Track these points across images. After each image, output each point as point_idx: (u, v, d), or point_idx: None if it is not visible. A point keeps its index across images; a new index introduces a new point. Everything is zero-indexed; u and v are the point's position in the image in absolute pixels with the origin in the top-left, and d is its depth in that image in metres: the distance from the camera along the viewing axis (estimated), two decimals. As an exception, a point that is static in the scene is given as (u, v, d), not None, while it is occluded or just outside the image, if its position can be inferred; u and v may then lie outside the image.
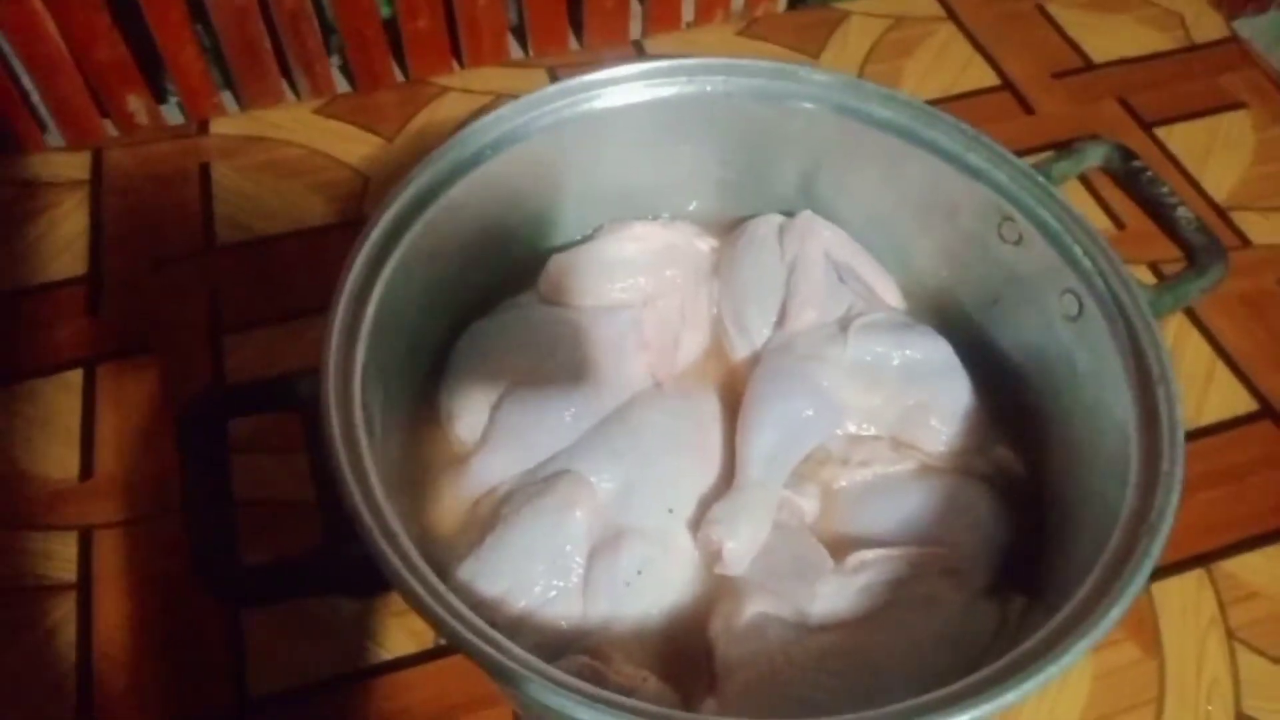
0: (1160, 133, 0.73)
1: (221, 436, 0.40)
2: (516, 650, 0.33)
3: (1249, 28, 0.88)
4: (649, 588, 0.42)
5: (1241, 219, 0.68)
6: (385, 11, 0.73)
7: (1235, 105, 0.75)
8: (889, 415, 0.49)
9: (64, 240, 0.66)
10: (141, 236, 0.66)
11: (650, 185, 0.56)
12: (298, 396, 0.40)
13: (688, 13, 0.79)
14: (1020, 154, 0.48)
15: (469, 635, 0.33)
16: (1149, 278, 0.64)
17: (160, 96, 0.73)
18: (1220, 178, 0.70)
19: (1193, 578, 0.54)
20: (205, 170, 0.69)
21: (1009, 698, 0.33)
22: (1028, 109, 0.74)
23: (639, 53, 0.78)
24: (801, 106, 0.50)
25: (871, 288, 0.54)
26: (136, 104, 0.71)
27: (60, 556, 0.52)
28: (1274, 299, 0.65)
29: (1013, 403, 0.50)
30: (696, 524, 0.45)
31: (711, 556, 0.44)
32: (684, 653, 0.42)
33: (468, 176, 0.48)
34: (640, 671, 0.39)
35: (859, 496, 0.47)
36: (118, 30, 0.67)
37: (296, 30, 0.71)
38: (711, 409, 0.49)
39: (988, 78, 0.76)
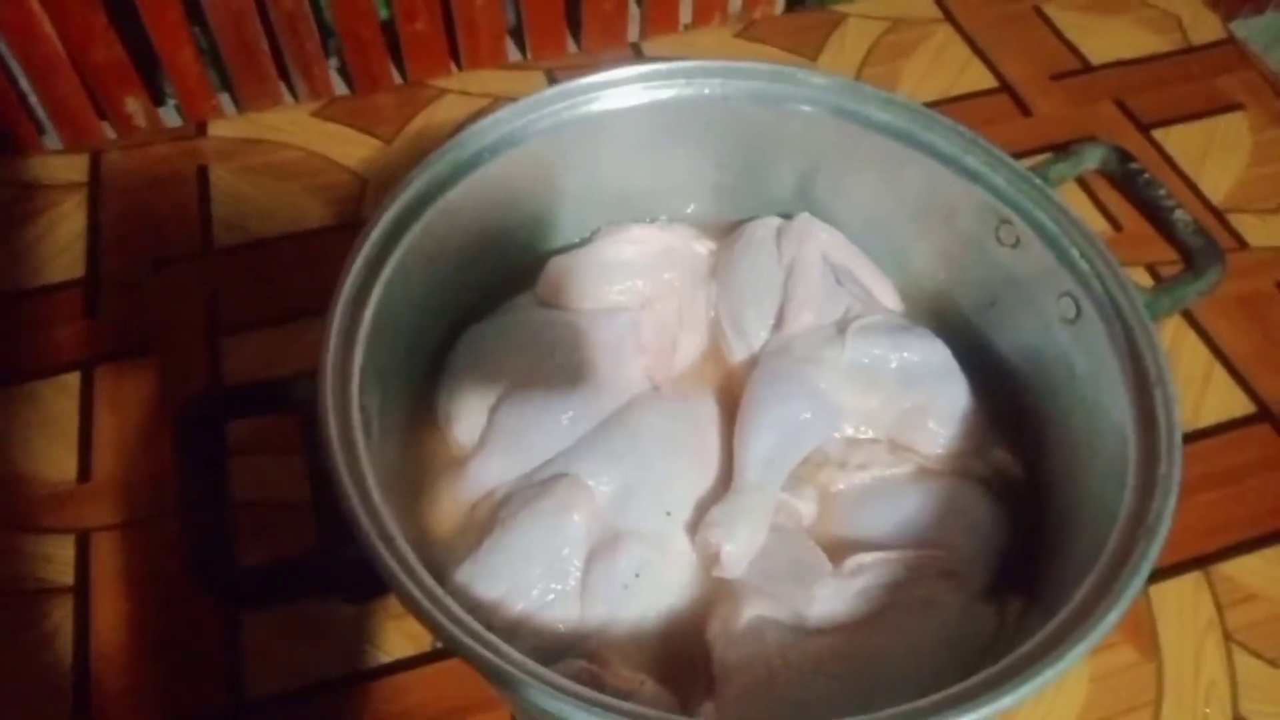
0: (1158, 134, 0.73)
1: (218, 438, 0.40)
2: (514, 654, 0.33)
3: (1246, 29, 0.88)
4: (646, 591, 0.42)
5: (1239, 221, 0.68)
6: (383, 13, 0.73)
7: (1232, 107, 0.75)
8: (887, 418, 0.49)
9: (62, 242, 0.66)
10: (139, 238, 0.66)
11: (648, 188, 0.56)
12: (295, 399, 0.40)
13: (685, 15, 0.79)
14: (1018, 156, 0.48)
15: (466, 639, 0.32)
16: (1146, 280, 0.64)
17: (158, 99, 0.73)
18: (1217, 180, 0.70)
19: (1190, 580, 0.54)
20: (203, 172, 0.69)
21: (1006, 701, 0.33)
22: (1025, 111, 0.74)
23: (637, 55, 0.78)
24: (799, 109, 0.50)
25: (869, 290, 0.54)
26: (134, 106, 0.71)
27: (58, 559, 0.52)
28: (1271, 301, 0.65)
29: (1010, 405, 0.50)
30: (694, 527, 0.45)
31: (709, 559, 0.44)
32: (682, 656, 0.42)
33: (466, 179, 0.48)
34: (638, 675, 0.39)
35: (857, 499, 0.47)
36: (115, 31, 0.67)
37: (294, 32, 0.71)
38: (709, 412, 0.49)
39: (985, 80, 0.76)
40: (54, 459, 0.56)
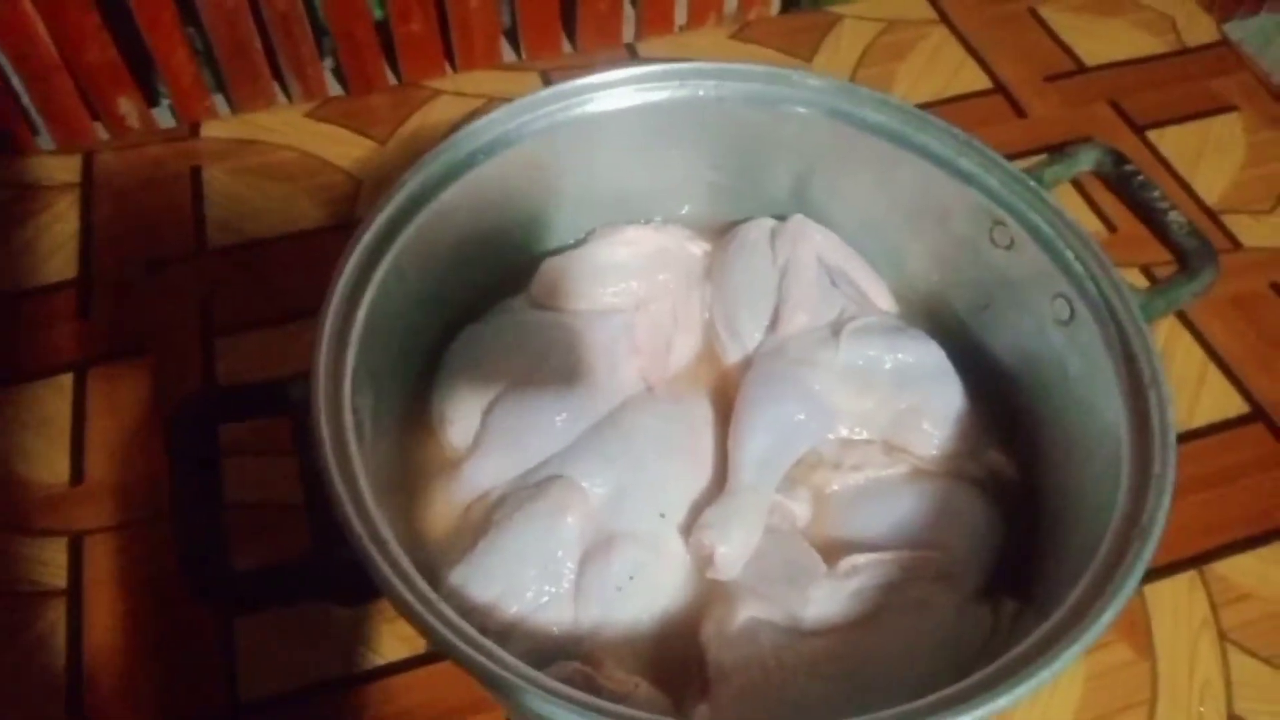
0: (1152, 135, 0.73)
1: (212, 440, 0.40)
2: (507, 658, 0.33)
3: (1240, 30, 0.88)
4: (641, 593, 0.42)
5: (1233, 222, 0.69)
6: (378, 14, 0.73)
7: (1226, 108, 0.75)
8: (881, 419, 0.49)
9: (55, 243, 0.65)
10: (133, 239, 0.66)
11: (642, 189, 0.56)
12: (288, 400, 0.40)
13: (680, 16, 0.79)
14: (1012, 157, 0.48)
15: (459, 643, 0.32)
16: (1141, 281, 0.64)
17: (152, 99, 0.73)
18: (1211, 181, 0.71)
19: (1185, 579, 0.54)
20: (197, 173, 0.69)
21: (1000, 702, 0.33)
22: (1020, 112, 0.74)
23: (632, 56, 0.78)
24: (794, 111, 0.50)
25: (863, 291, 0.54)
26: (128, 106, 0.71)
27: (51, 562, 0.52)
28: (1265, 302, 0.65)
29: (1005, 407, 0.50)
30: (688, 528, 0.45)
31: (703, 561, 0.44)
32: (676, 658, 0.42)
33: (460, 180, 0.48)
34: (632, 678, 0.39)
35: (851, 501, 0.47)
36: (108, 32, 0.67)
37: (288, 32, 0.70)
38: (703, 413, 0.49)
39: (980, 81, 0.76)
40: (47, 461, 0.56)
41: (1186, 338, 0.63)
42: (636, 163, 0.54)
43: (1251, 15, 0.93)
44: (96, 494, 0.55)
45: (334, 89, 0.75)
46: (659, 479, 0.46)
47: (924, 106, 0.73)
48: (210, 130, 0.72)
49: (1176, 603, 0.53)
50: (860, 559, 0.43)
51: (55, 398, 0.58)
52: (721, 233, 0.56)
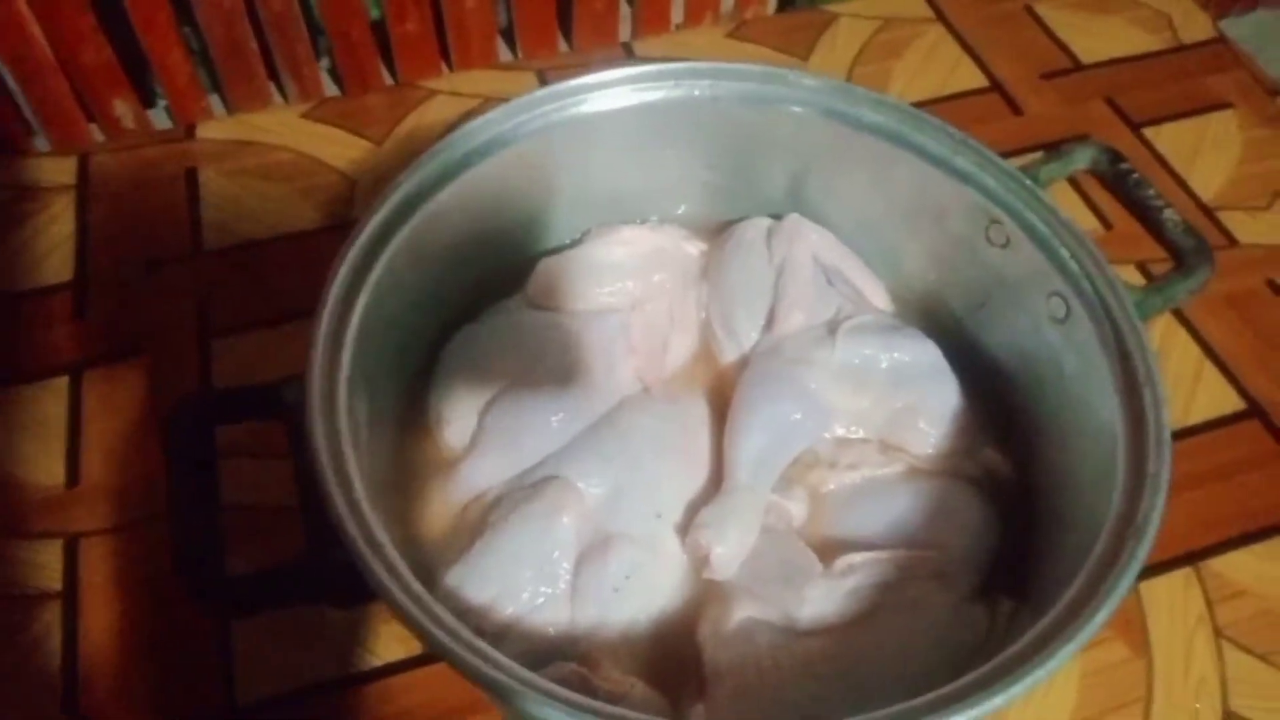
0: (1148, 133, 0.73)
1: (207, 443, 0.40)
2: (503, 660, 0.33)
3: (1236, 28, 0.88)
4: (637, 593, 0.42)
5: (1229, 219, 0.69)
6: (374, 13, 0.73)
7: (1222, 105, 0.75)
8: (877, 418, 0.49)
9: (51, 245, 0.65)
10: (129, 241, 0.66)
11: (638, 189, 0.56)
12: (283, 403, 0.40)
13: (677, 15, 0.79)
14: (1009, 155, 0.48)
15: (453, 645, 0.32)
16: (1137, 278, 0.64)
17: (148, 100, 0.73)
18: (1208, 178, 0.71)
19: (1180, 576, 0.54)
20: (192, 174, 0.69)
21: (995, 701, 0.33)
22: (1016, 110, 0.74)
23: (628, 55, 0.78)
24: (789, 110, 0.50)
25: (860, 290, 0.54)
26: (123, 108, 0.71)
27: (46, 565, 0.52)
28: (1261, 299, 0.65)
29: (1001, 405, 0.50)
30: (685, 528, 0.45)
31: (700, 561, 0.44)
32: (672, 658, 0.42)
33: (455, 181, 0.48)
34: (628, 678, 0.39)
35: (847, 500, 0.47)
36: (103, 33, 0.67)
37: (284, 33, 0.70)
38: (699, 413, 0.49)
39: (976, 79, 0.76)
40: (42, 463, 0.56)
41: (1183, 335, 0.63)
42: (632, 163, 0.54)
43: (1248, 12, 0.93)
44: (92, 496, 0.55)
45: (330, 89, 0.75)
46: (655, 479, 0.46)
47: (920, 105, 0.73)
48: (206, 131, 0.72)
49: (1172, 600, 0.53)
50: (856, 558, 0.43)
51: (51, 399, 0.58)
52: (717, 232, 0.56)
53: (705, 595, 0.43)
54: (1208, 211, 0.69)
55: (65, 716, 0.48)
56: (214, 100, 0.74)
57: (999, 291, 0.49)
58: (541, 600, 0.42)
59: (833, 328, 0.51)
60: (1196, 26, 0.80)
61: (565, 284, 0.52)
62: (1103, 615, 0.35)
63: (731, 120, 0.52)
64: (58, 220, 0.67)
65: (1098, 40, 0.79)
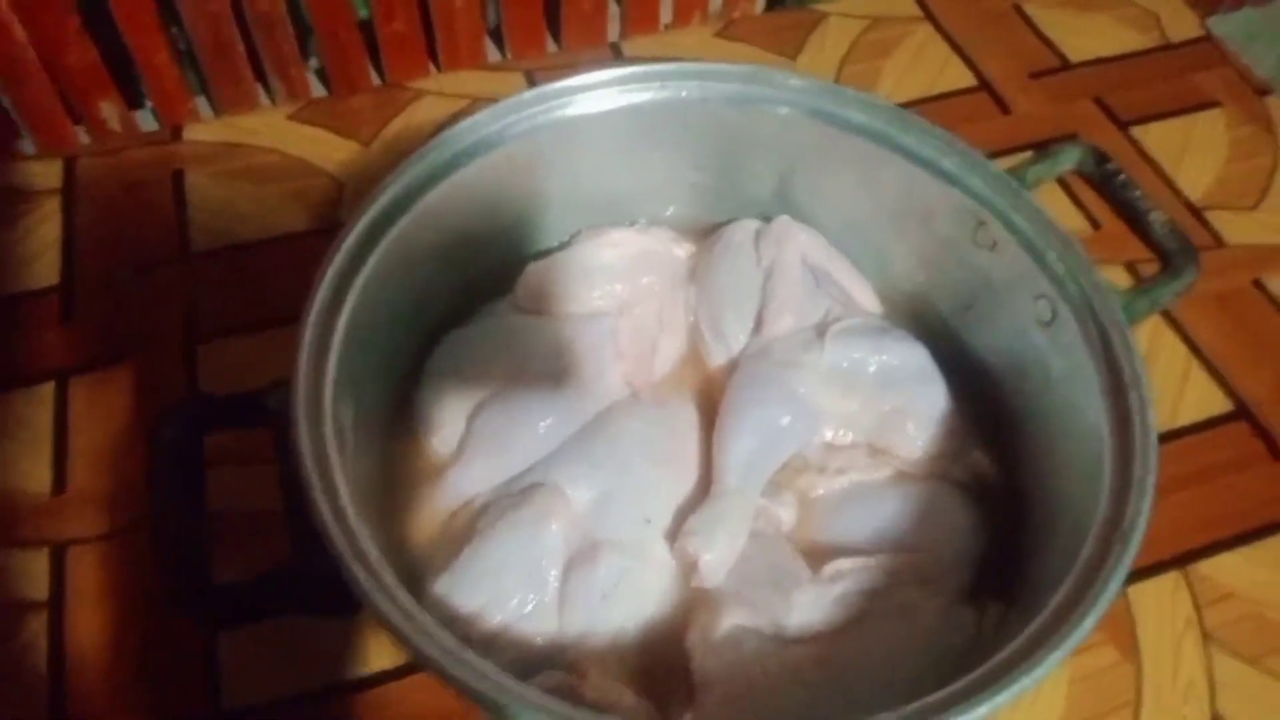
0: (1136, 132, 0.73)
1: (191, 452, 0.40)
2: (488, 670, 0.32)
3: (1223, 26, 0.88)
4: (625, 600, 0.42)
5: (1216, 218, 0.69)
6: (362, 12, 0.73)
7: (1209, 104, 0.75)
8: (866, 421, 0.49)
9: (37, 249, 0.65)
10: (115, 245, 0.65)
11: (626, 191, 0.56)
12: (267, 410, 0.40)
13: (665, 14, 0.79)
14: (997, 154, 0.48)
15: (439, 655, 0.32)
16: (1125, 278, 0.64)
17: (134, 102, 0.72)
18: (1195, 177, 0.71)
19: (1169, 579, 0.54)
20: (179, 177, 0.68)
21: (981, 710, 0.33)
22: (1005, 109, 0.74)
23: (617, 55, 0.78)
24: (776, 111, 0.50)
25: (848, 292, 0.54)
26: (109, 110, 0.70)
27: (32, 573, 0.52)
28: (1249, 298, 0.65)
29: (989, 408, 0.50)
30: (674, 534, 0.45)
31: (688, 568, 0.44)
32: (661, 665, 0.42)
33: (442, 183, 0.47)
34: (616, 686, 0.39)
35: (836, 504, 0.47)
36: (88, 34, 0.67)
37: (270, 34, 0.70)
38: (688, 417, 0.49)
39: (965, 78, 0.76)
40: (27, 471, 0.55)
41: (1170, 335, 0.63)
42: (620, 164, 0.54)
43: (1235, 10, 0.93)
44: (79, 503, 0.54)
45: (317, 90, 0.75)
46: (644, 485, 0.46)
47: (909, 104, 0.74)
48: (193, 133, 0.71)
49: (1160, 603, 0.53)
50: (844, 564, 0.43)
51: (36, 406, 0.58)
52: (706, 234, 0.56)
53: (694, 602, 0.43)
54: (1195, 211, 0.69)
55: (52, 726, 0.48)
56: (201, 102, 0.73)
57: (986, 294, 0.49)
58: (530, 608, 0.42)
59: (821, 330, 0.51)
60: (1184, 25, 0.80)
61: (554, 287, 0.52)
62: (1090, 621, 0.35)
63: (719, 121, 0.52)
64: (44, 224, 0.66)
65: (1086, 39, 0.79)
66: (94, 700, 0.48)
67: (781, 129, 0.51)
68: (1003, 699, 0.33)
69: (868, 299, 0.54)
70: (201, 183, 0.68)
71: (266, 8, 0.68)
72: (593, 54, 0.78)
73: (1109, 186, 0.51)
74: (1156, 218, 0.48)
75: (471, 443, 0.47)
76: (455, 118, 0.49)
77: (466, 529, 0.44)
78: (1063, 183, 0.68)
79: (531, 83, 0.74)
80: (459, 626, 0.40)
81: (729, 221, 0.56)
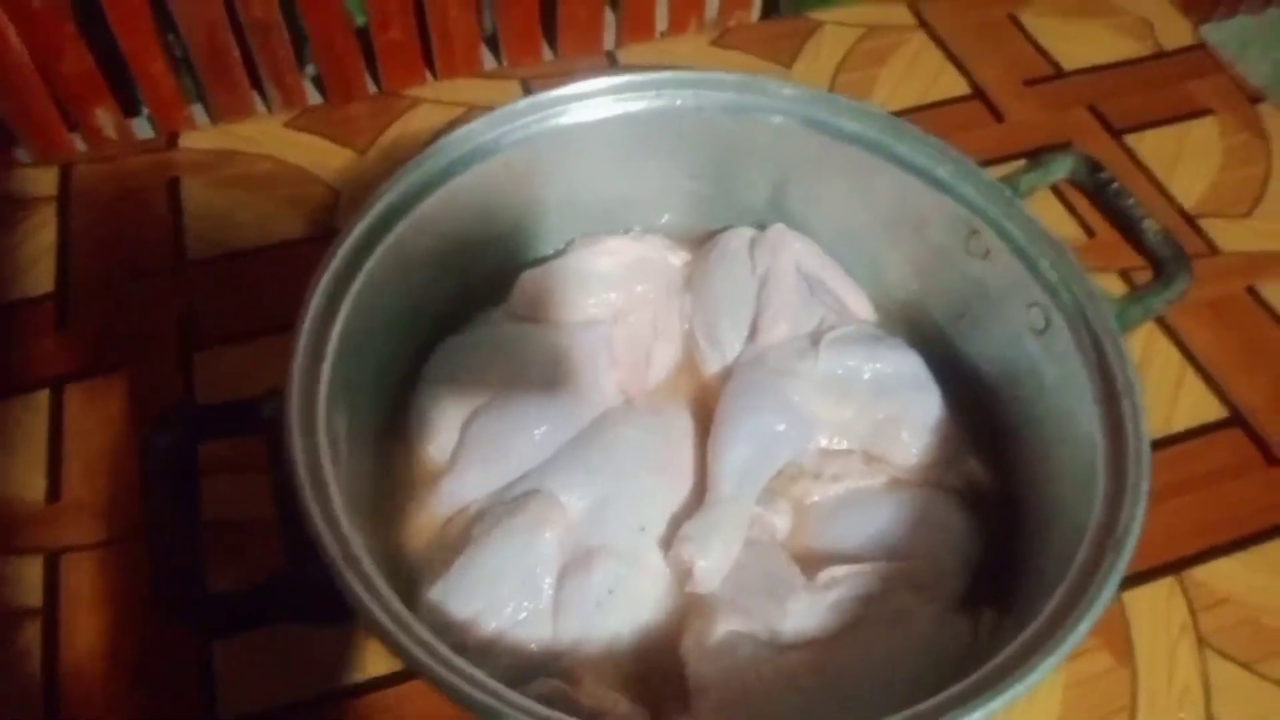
0: (1130, 140, 0.73)
1: (184, 461, 0.40)
2: (481, 678, 0.33)
3: (1216, 34, 0.89)
4: (620, 607, 0.42)
5: (1210, 226, 0.69)
6: (360, 19, 0.73)
7: (1203, 112, 0.75)
8: (860, 429, 0.49)
9: (32, 256, 0.65)
10: (110, 252, 0.65)
11: (621, 199, 0.56)
12: (261, 419, 0.40)
13: (661, 22, 0.79)
14: (991, 162, 0.48)
15: (431, 663, 0.32)
16: (1120, 285, 0.64)
17: (130, 109, 0.73)
18: (1189, 184, 0.71)
19: (1164, 585, 0.54)
20: (175, 185, 0.68)
21: (975, 716, 0.33)
22: (999, 117, 0.74)
23: (612, 63, 0.78)
24: (770, 120, 0.51)
25: (843, 300, 0.54)
26: (105, 118, 0.70)
27: (26, 581, 0.52)
28: (1243, 305, 0.65)
29: (983, 415, 0.50)
30: (668, 542, 0.45)
31: (683, 575, 0.44)
32: (656, 672, 0.42)
33: (437, 192, 0.48)
34: (611, 693, 0.39)
35: (831, 511, 0.47)
36: (84, 41, 0.67)
37: (266, 41, 0.70)
38: (683, 425, 0.49)
39: (959, 86, 0.76)
40: (23, 478, 0.55)
41: (1164, 342, 0.63)
42: (615, 172, 0.54)
43: (1228, 18, 0.93)
44: (74, 511, 0.54)
45: (314, 98, 0.75)
46: (639, 492, 0.46)
47: (903, 112, 0.74)
48: (188, 141, 0.71)
49: (1155, 609, 0.53)
50: (839, 571, 0.43)
51: (31, 414, 0.58)
52: (701, 242, 0.56)
53: (689, 609, 0.43)
54: (1189, 219, 0.69)
55: (46, 734, 0.48)
56: (197, 109, 0.73)
57: (980, 302, 0.49)
58: (524, 615, 0.42)
59: (816, 338, 0.51)
60: (1177, 33, 0.81)
61: (549, 295, 0.52)
62: (1083, 627, 0.35)
63: (714, 130, 0.52)
64: (39, 231, 0.66)
65: (1080, 47, 0.79)
66: (88, 708, 0.48)
67: (776, 137, 0.51)
68: (996, 705, 0.33)
69: (862, 307, 0.54)
70: (197, 190, 0.68)
71: (262, 15, 0.69)
72: (589, 62, 0.78)
73: (1102, 195, 0.51)
74: (1149, 226, 0.48)
75: (466, 450, 0.47)
76: (451, 126, 0.49)
77: (461, 536, 0.44)
78: (1057, 190, 0.68)
79: (527, 90, 0.75)
80: (454, 634, 0.40)
81: (724, 229, 0.56)
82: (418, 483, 0.47)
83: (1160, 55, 0.79)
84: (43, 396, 0.58)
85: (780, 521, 0.46)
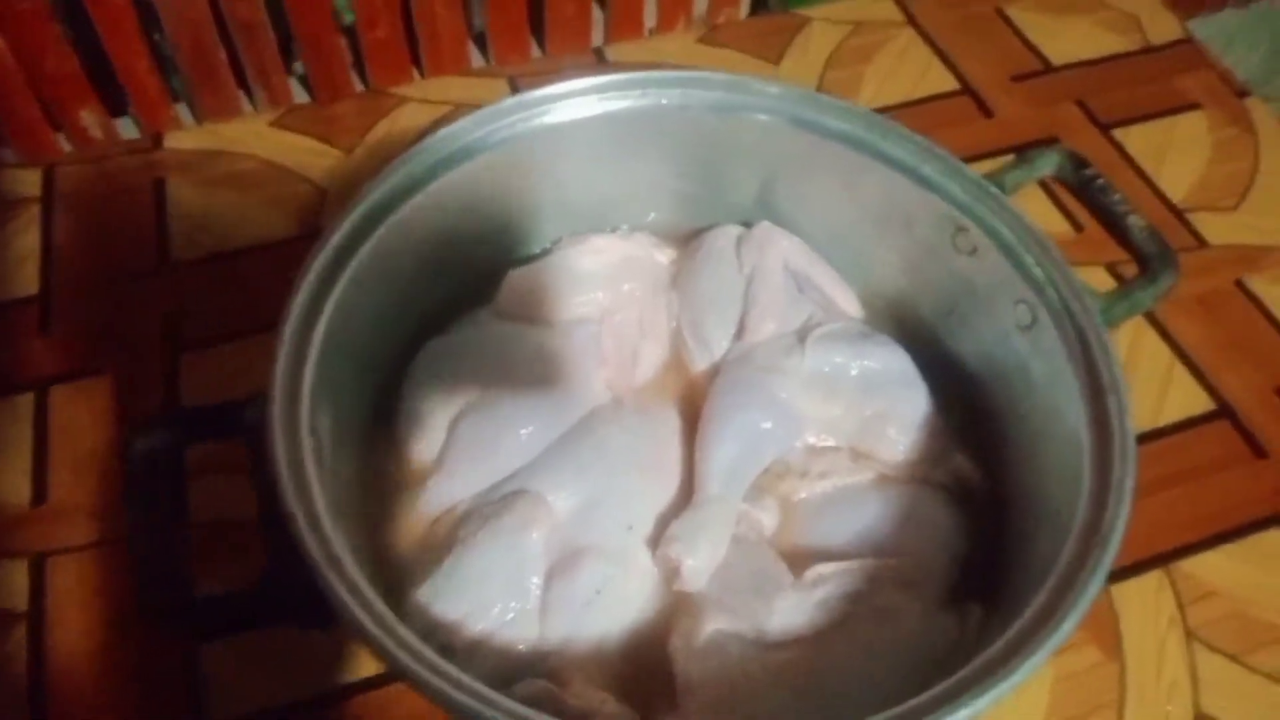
0: (1118, 134, 0.73)
1: (166, 464, 0.40)
2: (466, 681, 0.32)
3: (1204, 28, 0.89)
4: (608, 607, 0.42)
5: (1198, 219, 0.69)
6: (348, 17, 0.72)
7: (1191, 106, 0.75)
8: (848, 426, 0.49)
9: (16, 258, 0.64)
10: (96, 253, 0.65)
11: (608, 197, 0.56)
12: (244, 423, 0.39)
13: (649, 19, 0.79)
14: (980, 157, 0.48)
15: (416, 666, 0.32)
16: (1108, 280, 0.64)
17: (116, 109, 0.72)
18: (1177, 179, 0.71)
19: (1152, 578, 0.54)
20: (160, 185, 0.68)
21: (962, 714, 0.33)
22: (987, 112, 0.74)
23: (600, 61, 0.78)
24: (756, 119, 0.50)
25: (830, 297, 0.54)
26: (90, 118, 0.70)
27: (12, 584, 0.51)
28: (1231, 299, 0.65)
29: (970, 411, 0.50)
30: (656, 541, 0.45)
31: (670, 574, 0.43)
32: (644, 672, 0.42)
33: (423, 191, 0.47)
34: (599, 693, 0.39)
35: (818, 508, 0.47)
36: (69, 42, 0.66)
37: (252, 40, 0.70)
38: (670, 423, 0.49)
39: (947, 82, 0.76)
40: (8, 481, 0.55)
41: (1153, 335, 0.63)
42: (602, 171, 0.54)
43: (1215, 13, 0.93)
44: (59, 514, 0.54)
45: (300, 96, 0.74)
46: (626, 492, 0.46)
47: (891, 108, 0.74)
48: (174, 141, 0.71)
49: (1144, 602, 0.53)
50: (826, 569, 0.43)
51: (15, 417, 0.57)
52: (688, 240, 0.56)
53: (676, 608, 0.43)
54: (1177, 212, 0.69)
55: (32, 739, 0.48)
56: (182, 109, 0.73)
57: (967, 298, 0.49)
58: (512, 616, 0.41)
59: (803, 335, 0.51)
60: (1165, 27, 0.81)
61: (535, 294, 0.52)
62: (1069, 624, 0.35)
63: (700, 128, 0.52)
64: (24, 232, 0.66)
65: (1067, 42, 0.79)
66: (75, 712, 0.48)
67: (762, 136, 0.51)
68: (983, 703, 0.33)
69: (849, 304, 0.54)
70: (183, 190, 0.68)
71: (247, 14, 0.68)
72: (576, 59, 0.78)
73: (1087, 191, 0.51)
74: (1134, 222, 0.48)
75: (453, 450, 0.47)
76: (438, 124, 0.49)
77: (448, 537, 0.44)
78: (1045, 185, 0.68)
79: (515, 88, 0.74)
80: (441, 635, 0.40)
81: (711, 227, 0.56)
82: (405, 483, 0.47)
83: (1148, 50, 0.79)
84: (28, 399, 0.58)
85: (767, 519, 0.46)
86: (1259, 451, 0.59)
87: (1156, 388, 0.61)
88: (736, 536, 0.45)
